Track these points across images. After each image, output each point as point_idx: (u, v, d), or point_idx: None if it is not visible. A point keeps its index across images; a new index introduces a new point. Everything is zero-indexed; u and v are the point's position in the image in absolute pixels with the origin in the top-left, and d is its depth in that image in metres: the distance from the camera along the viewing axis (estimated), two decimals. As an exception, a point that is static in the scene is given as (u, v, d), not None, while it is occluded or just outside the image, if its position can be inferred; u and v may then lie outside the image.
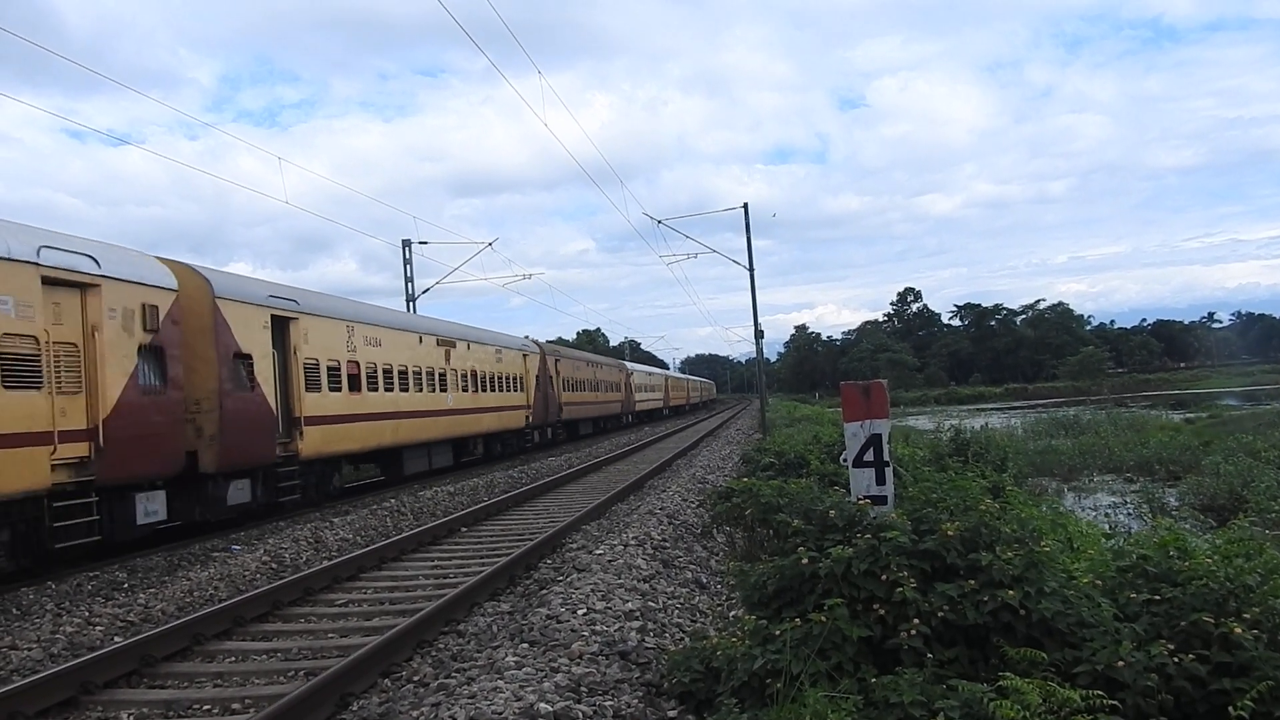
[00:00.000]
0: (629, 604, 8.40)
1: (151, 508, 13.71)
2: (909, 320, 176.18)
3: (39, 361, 11.67)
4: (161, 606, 10.02)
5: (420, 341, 24.59)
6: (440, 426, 25.51)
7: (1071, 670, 5.04)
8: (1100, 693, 4.64)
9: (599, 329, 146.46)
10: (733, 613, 8.45)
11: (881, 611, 5.56)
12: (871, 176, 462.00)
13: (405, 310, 35.62)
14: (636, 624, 7.78)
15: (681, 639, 7.57)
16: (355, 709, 6.61)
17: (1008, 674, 4.77)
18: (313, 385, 18.58)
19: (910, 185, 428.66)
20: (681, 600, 9.20)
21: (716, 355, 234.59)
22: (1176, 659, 4.96)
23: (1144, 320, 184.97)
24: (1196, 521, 16.12)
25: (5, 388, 11.15)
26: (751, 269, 37.09)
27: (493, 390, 30.60)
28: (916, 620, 5.39)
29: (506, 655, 6.90)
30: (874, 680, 5.03)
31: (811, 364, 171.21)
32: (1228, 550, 6.52)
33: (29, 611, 10.10)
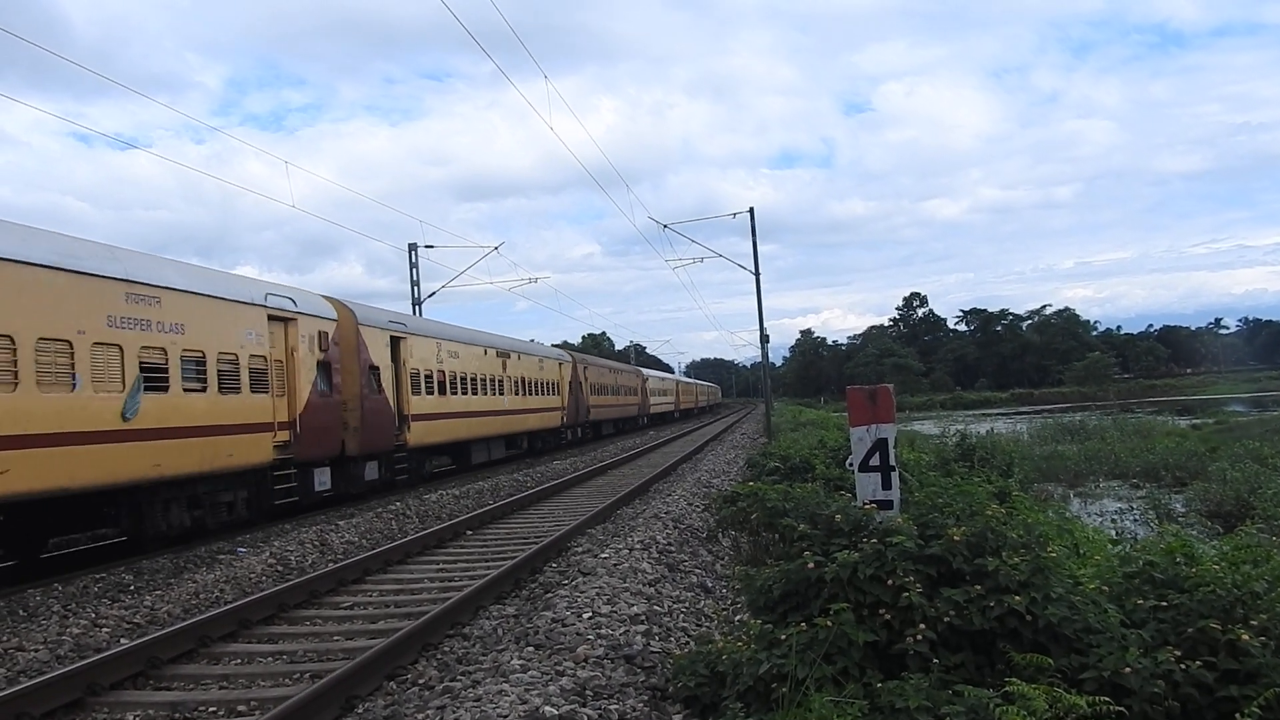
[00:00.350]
0: (634, 608, 8.39)
1: (322, 480, 18.67)
2: (915, 325, 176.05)
3: (266, 374, 16.68)
4: (168, 608, 10.04)
5: (485, 354, 30.25)
6: (499, 424, 31.11)
7: (1078, 676, 5.03)
8: (1107, 699, 4.63)
9: (604, 333, 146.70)
10: (738, 617, 8.45)
11: (887, 616, 5.55)
12: (877, 181, 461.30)
13: (415, 314, 35.71)
14: (642, 628, 7.77)
15: (687, 643, 7.57)
16: (361, 712, 6.61)
17: (1014, 680, 4.76)
18: (415, 390, 23.52)
19: (916, 190, 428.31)
20: (687, 604, 9.20)
21: (722, 359, 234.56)
22: (1183, 665, 4.95)
23: (1150, 326, 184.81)
24: (1203, 528, 16.09)
25: (251, 392, 16.17)
26: (757, 273, 37.10)
27: (536, 394, 36.23)
28: (922, 625, 5.39)
29: (512, 659, 6.90)
30: (880, 685, 5.02)
31: (817, 368, 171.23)
32: (1235, 557, 6.50)
33: (36, 613, 10.13)
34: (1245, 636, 5.08)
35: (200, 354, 14.73)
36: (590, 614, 8.08)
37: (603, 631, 7.52)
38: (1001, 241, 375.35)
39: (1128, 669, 4.90)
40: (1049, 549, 6.14)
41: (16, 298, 11.40)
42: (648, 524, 13.63)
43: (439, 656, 7.85)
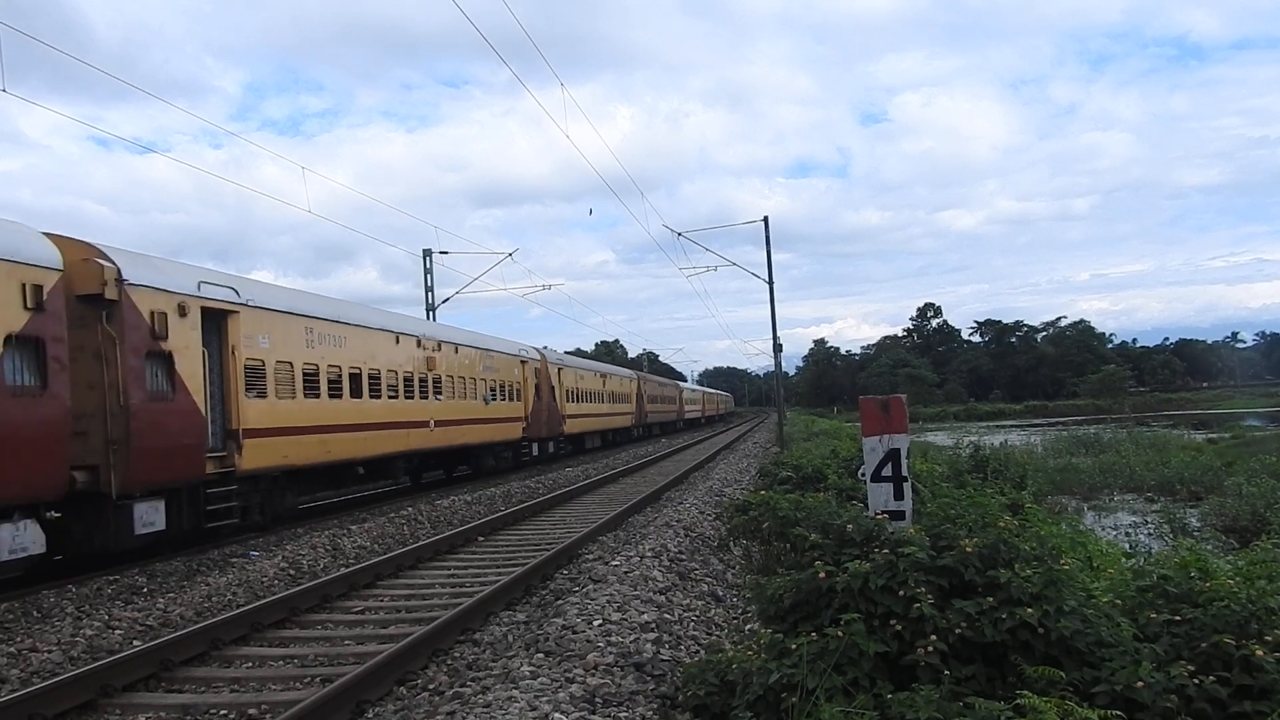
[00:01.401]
0: (645, 616, 8.39)
1: (535, 452, 33.34)
2: (929, 336, 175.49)
3: (523, 390, 31.75)
4: (180, 611, 10.08)
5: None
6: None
7: (1090, 690, 5.00)
8: (1119, 713, 4.60)
9: (617, 340, 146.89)
10: (749, 626, 8.43)
11: (898, 627, 5.53)
12: (893, 191, 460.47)
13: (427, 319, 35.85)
14: (652, 636, 7.77)
15: (697, 652, 7.56)
16: (371, 716, 6.64)
17: (1025, 692, 4.73)
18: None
19: (932, 200, 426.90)
20: (697, 613, 9.19)
21: (735, 368, 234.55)
22: (1197, 681, 4.91)
23: (1166, 339, 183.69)
24: (1218, 542, 15.97)
25: (511, 401, 31.21)
26: (771, 282, 37.07)
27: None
28: (934, 636, 5.36)
29: (522, 665, 6.90)
30: (890, 696, 5.00)
31: (830, 378, 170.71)
32: (1250, 572, 6.45)
33: (49, 614, 10.19)
34: (1259, 652, 5.04)
35: None
36: (601, 621, 8.08)
37: (613, 639, 7.51)
38: (1017, 253, 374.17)
39: (1140, 683, 4.87)
40: (1062, 561, 6.11)
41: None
42: (659, 532, 13.62)
43: (449, 662, 7.86)
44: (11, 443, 11.07)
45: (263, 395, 16.42)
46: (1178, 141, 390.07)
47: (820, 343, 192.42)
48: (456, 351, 27.09)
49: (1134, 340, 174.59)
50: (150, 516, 13.11)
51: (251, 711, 6.86)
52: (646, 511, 17.72)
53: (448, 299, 39.21)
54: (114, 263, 13.07)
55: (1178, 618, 5.52)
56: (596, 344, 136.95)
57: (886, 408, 7.73)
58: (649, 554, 11.53)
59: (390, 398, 22.01)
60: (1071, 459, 33.58)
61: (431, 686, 7.13)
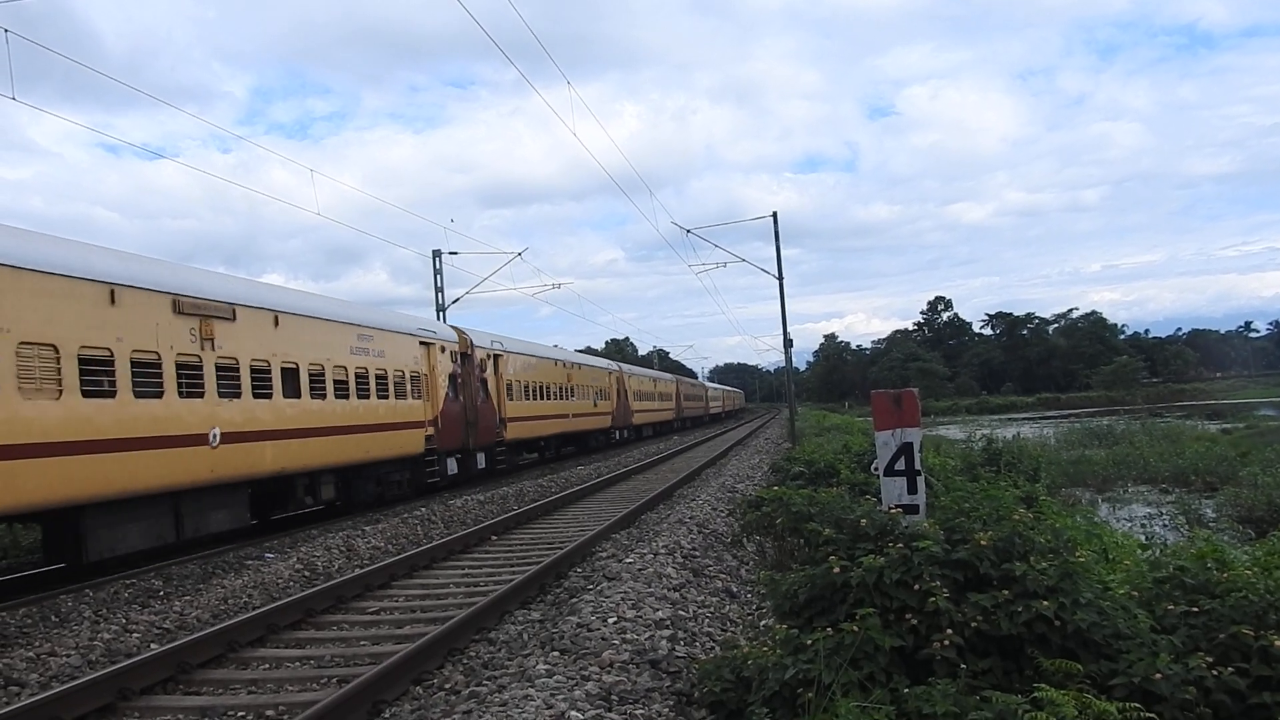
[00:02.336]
0: (659, 613, 8.39)
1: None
2: (939, 329, 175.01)
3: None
4: (196, 614, 10.13)
5: (660, 383, 49.31)
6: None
7: (1107, 682, 4.98)
8: (1137, 705, 4.59)
9: (627, 338, 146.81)
10: (763, 622, 8.42)
11: (914, 621, 5.52)
12: (902, 185, 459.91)
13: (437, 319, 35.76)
14: (667, 633, 7.77)
15: (712, 648, 7.56)
16: (388, 716, 6.65)
17: (1042, 685, 4.72)
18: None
19: (941, 194, 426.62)
20: (712, 609, 9.19)
21: (745, 364, 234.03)
22: (1215, 672, 4.90)
23: (1179, 329, 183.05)
24: (1235, 533, 15.90)
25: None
26: (781, 278, 37.02)
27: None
28: (949, 630, 5.35)
29: (537, 663, 6.91)
30: (907, 691, 5.00)
31: (841, 373, 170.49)
32: (1267, 562, 6.43)
33: (68, 618, 10.25)
34: (1278, 643, 5.01)
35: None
36: (615, 619, 8.08)
37: (628, 636, 7.52)
38: (1027, 245, 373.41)
39: (1158, 675, 4.85)
40: (1077, 554, 6.08)
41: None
42: (672, 529, 13.63)
43: (465, 661, 7.88)
44: (451, 423, 24.66)
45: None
46: (1188, 130, 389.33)
47: (831, 338, 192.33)
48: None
49: (1146, 331, 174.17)
50: (479, 461, 26.93)
51: (269, 713, 6.89)
52: (659, 508, 17.72)
53: (457, 299, 39.26)
54: (469, 337, 27.28)
55: (1195, 609, 5.50)
56: (606, 342, 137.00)
57: (898, 401, 7.71)
58: (662, 551, 11.53)
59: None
60: (1085, 451, 33.46)
61: (448, 686, 7.15)
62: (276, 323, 16.98)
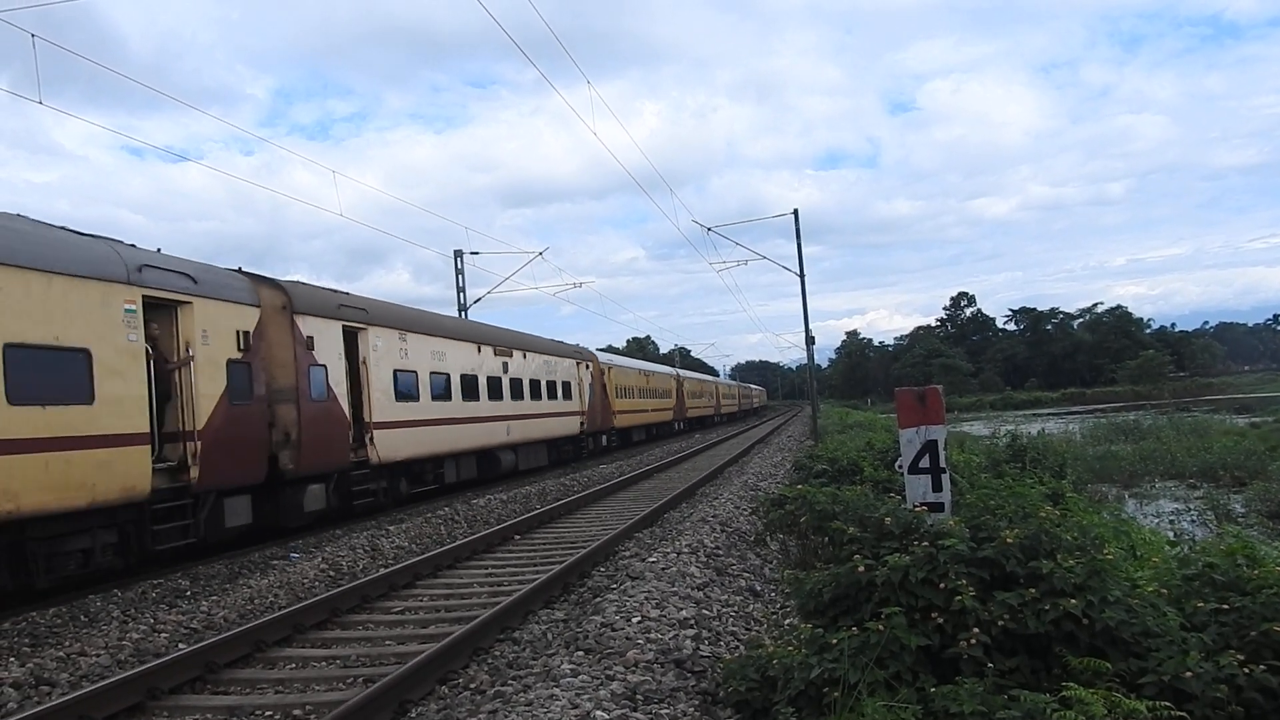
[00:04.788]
0: (683, 612, 8.39)
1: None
2: (963, 325, 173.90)
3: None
4: (224, 614, 10.20)
5: (727, 390, 60.51)
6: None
7: (1137, 681, 4.94)
8: (1168, 704, 4.54)
9: (649, 336, 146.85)
10: (788, 621, 8.40)
11: (940, 620, 5.49)
12: (924, 180, 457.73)
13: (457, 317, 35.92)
14: (691, 632, 7.77)
15: (737, 647, 7.55)
16: (414, 715, 6.68)
17: (1071, 684, 4.68)
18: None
19: (964, 189, 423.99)
20: (736, 608, 9.17)
21: (767, 362, 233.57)
22: (1247, 670, 4.84)
23: (1206, 323, 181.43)
24: (1264, 529, 15.73)
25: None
26: (802, 275, 36.91)
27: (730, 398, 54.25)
28: (976, 629, 5.32)
29: (562, 663, 6.92)
30: (933, 690, 4.97)
31: (863, 370, 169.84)
32: (1299, 558, 6.35)
33: (96, 619, 10.35)
34: (1311, 640, 4.96)
35: None
36: (639, 618, 8.08)
37: (652, 636, 7.52)
38: (1051, 239, 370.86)
39: (1189, 673, 4.81)
40: (1105, 551, 6.04)
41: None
42: (695, 528, 13.61)
43: (490, 661, 7.90)
44: (591, 413, 36.92)
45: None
46: (1214, 122, 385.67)
47: (853, 334, 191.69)
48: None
49: (1172, 325, 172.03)
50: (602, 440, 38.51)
51: (296, 712, 6.93)
52: (682, 507, 17.71)
53: (479, 299, 39.38)
54: (596, 355, 37.80)
55: (1225, 606, 5.44)
56: (628, 340, 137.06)
57: (923, 399, 7.67)
58: (685, 550, 11.52)
59: None
60: (1111, 446, 33.16)
61: (473, 685, 7.17)
62: (525, 356, 29.20)
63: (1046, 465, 19.76)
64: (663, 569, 10.33)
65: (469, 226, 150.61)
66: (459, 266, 38.03)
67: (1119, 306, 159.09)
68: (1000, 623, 5.35)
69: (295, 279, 17.75)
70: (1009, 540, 5.85)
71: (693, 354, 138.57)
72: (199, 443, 13.46)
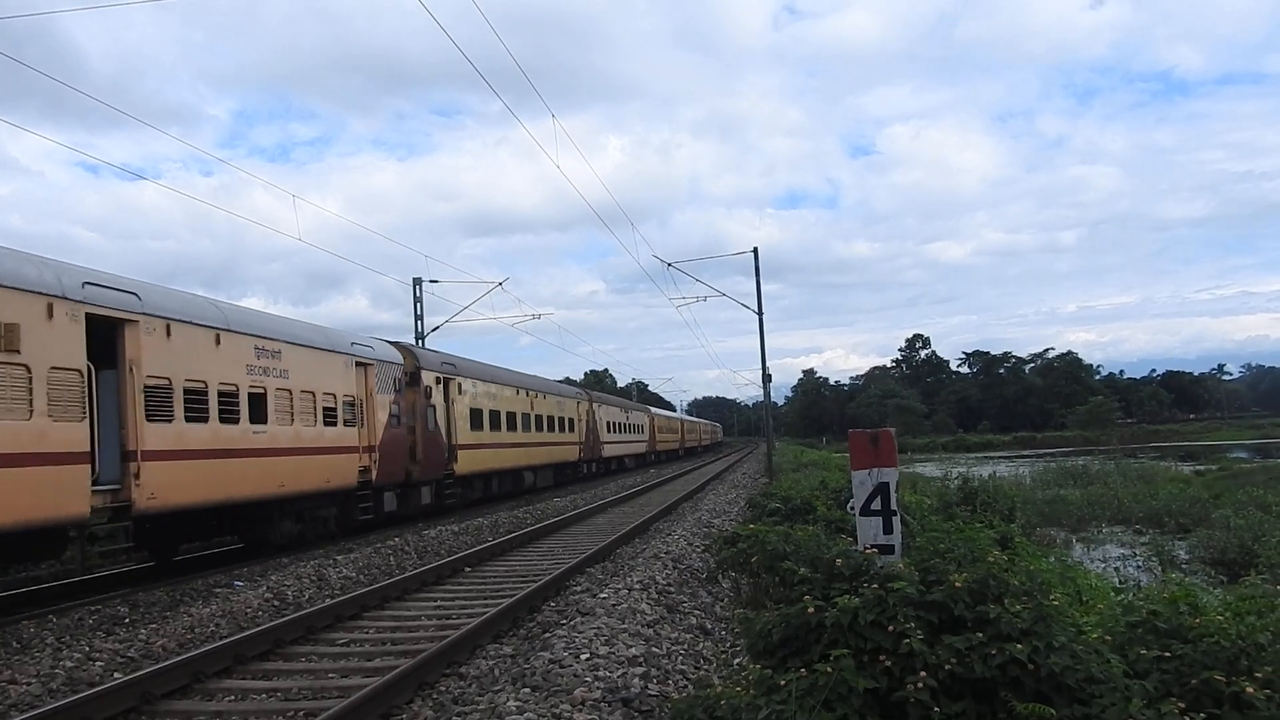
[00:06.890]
0: (633, 649, 8.32)
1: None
2: (917, 366, 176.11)
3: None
4: (162, 643, 9.96)
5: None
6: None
7: (1080, 727, 4.96)
8: (1110, 751, 4.57)
9: (606, 370, 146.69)
10: (737, 660, 8.37)
11: (888, 663, 5.49)
12: (882, 223, 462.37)
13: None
14: (640, 670, 7.70)
15: (685, 687, 7.49)
16: (354, 752, 6.54)
17: (1016, 730, 4.70)
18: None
19: (921, 232, 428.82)
20: (686, 647, 9.12)
21: (724, 398, 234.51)
22: (1188, 718, 4.89)
23: (1153, 371, 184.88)
24: (1207, 576, 15.99)
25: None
26: (760, 313, 37.21)
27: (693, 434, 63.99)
28: (924, 672, 5.32)
29: (508, 700, 6.83)
30: (880, 733, 4.96)
31: (819, 408, 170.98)
32: (1239, 607, 6.46)
33: (29, 645, 10.05)
34: (1250, 689, 5.02)
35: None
36: (588, 655, 8.01)
37: (600, 673, 7.45)
38: (1005, 284, 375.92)
39: (1130, 720, 4.84)
40: (1051, 596, 6.09)
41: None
42: (647, 564, 13.55)
43: (435, 696, 7.77)
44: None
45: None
46: (1163, 175, 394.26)
47: (809, 373, 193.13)
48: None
49: (1121, 372, 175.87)
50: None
51: (233, 746, 6.76)
52: (635, 543, 17.63)
53: (437, 327, 39.21)
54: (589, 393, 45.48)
55: (1168, 654, 5.50)
56: (586, 373, 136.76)
57: (875, 441, 7.73)
58: (637, 586, 11.46)
59: None
60: (1060, 490, 33.64)
61: (416, 721, 7.04)
62: (544, 397, 36.62)
63: (996, 508, 19.99)
64: (613, 605, 10.26)
65: (429, 254, 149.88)
66: (418, 294, 37.87)
67: (1070, 352, 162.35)
68: (948, 666, 5.36)
69: (412, 345, 28.42)
70: (957, 584, 5.88)
71: (650, 388, 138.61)
72: (377, 453, 21.22)
